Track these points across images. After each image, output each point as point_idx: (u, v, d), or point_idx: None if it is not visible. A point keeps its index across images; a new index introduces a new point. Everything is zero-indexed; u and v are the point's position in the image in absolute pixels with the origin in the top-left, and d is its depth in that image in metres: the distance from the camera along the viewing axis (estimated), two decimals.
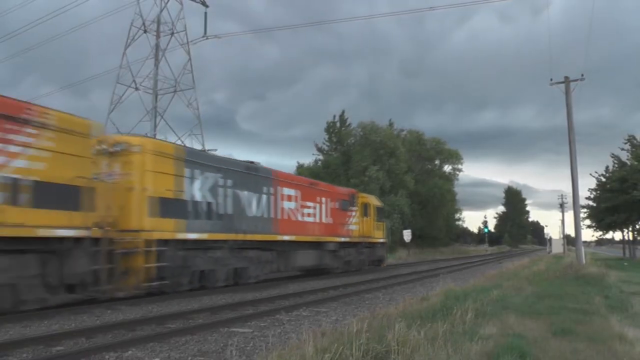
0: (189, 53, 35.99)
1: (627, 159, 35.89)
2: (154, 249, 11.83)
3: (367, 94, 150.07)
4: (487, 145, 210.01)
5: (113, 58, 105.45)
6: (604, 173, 38.73)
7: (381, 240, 25.59)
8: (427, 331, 5.94)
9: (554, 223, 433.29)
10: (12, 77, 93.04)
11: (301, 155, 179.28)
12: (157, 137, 28.17)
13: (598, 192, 39.17)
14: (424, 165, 59.48)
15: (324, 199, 20.61)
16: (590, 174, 39.71)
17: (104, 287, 10.65)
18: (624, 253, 50.35)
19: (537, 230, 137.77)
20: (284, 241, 17.41)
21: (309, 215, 19.40)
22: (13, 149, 9.08)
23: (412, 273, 22.35)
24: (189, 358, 6.41)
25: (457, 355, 5.16)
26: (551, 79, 23.09)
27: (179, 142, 31.33)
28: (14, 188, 8.99)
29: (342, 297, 12.93)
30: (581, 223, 27.55)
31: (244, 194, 15.66)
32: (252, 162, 17.07)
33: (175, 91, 35.52)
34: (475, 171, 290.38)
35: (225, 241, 14.46)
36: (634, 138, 35.78)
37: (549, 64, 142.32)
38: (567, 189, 54.23)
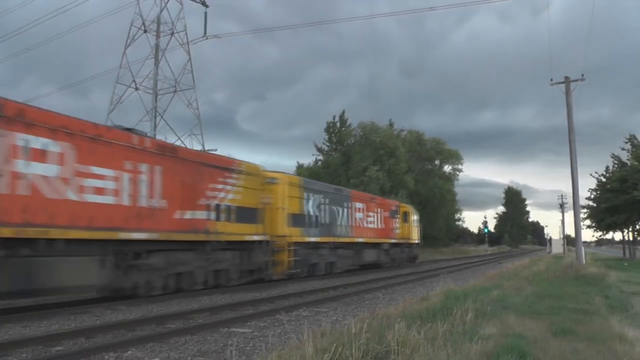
0: (189, 53, 36.01)
1: (627, 159, 35.84)
2: (291, 248, 17.66)
3: (367, 94, 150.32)
4: (487, 145, 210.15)
5: (113, 58, 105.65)
6: (604, 173, 38.67)
7: (416, 241, 32.13)
8: (427, 331, 5.93)
9: (554, 223, 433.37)
10: (12, 77, 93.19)
11: (301, 155, 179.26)
12: (157, 137, 28.14)
13: (598, 192, 39.11)
14: (424, 166, 59.49)
15: (379, 210, 26.41)
16: (591, 174, 39.73)
17: (269, 272, 16.60)
18: (624, 253, 50.34)
19: (537, 230, 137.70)
20: (358, 242, 23.48)
21: (371, 222, 25.27)
22: (228, 188, 14.77)
23: (412, 273, 22.34)
24: (189, 358, 6.40)
25: (457, 355, 5.15)
26: (551, 79, 23.11)
27: (179, 142, 31.36)
28: (228, 211, 14.56)
29: (342, 297, 12.92)
30: (581, 223, 27.54)
31: (335, 209, 21.73)
32: (338, 187, 24.94)
33: (175, 91, 35.50)
34: (475, 171, 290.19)
35: (327, 243, 20.41)
36: (635, 138, 35.69)
37: (549, 64, 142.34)
38: (567, 189, 54.31)
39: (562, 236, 63.97)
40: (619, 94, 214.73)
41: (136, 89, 34.53)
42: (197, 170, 13.53)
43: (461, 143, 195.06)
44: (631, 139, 35.85)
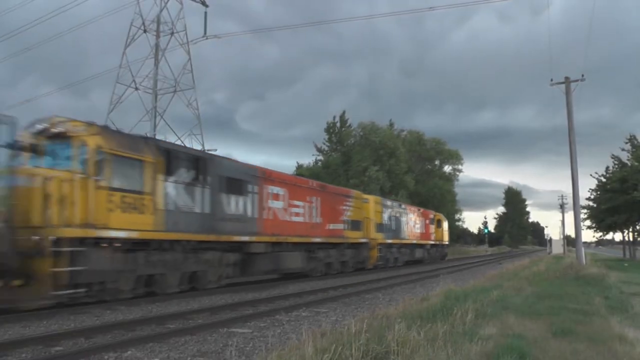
0: (188, 53, 36.06)
1: (628, 160, 35.82)
2: (378, 246, 25.34)
3: (367, 94, 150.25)
4: (486, 146, 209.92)
5: (113, 58, 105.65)
6: (604, 174, 38.63)
7: (446, 243, 41.24)
8: (427, 332, 5.92)
9: (554, 224, 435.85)
10: (12, 77, 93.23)
11: (301, 155, 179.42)
12: (157, 137, 28.11)
13: (598, 192, 39.07)
14: (424, 166, 59.51)
15: (422, 218, 34.69)
16: (591, 175, 39.66)
17: (367, 264, 24.31)
18: (624, 254, 50.32)
19: (537, 230, 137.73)
20: (412, 243, 31.89)
21: (418, 228, 33.61)
22: (348, 208, 22.60)
23: (412, 273, 22.35)
24: (189, 358, 6.39)
25: (457, 355, 5.14)
26: (551, 80, 23.13)
27: (178, 142, 31.32)
28: (347, 223, 22.25)
29: (341, 298, 12.91)
30: (581, 224, 27.51)
31: (399, 218, 29.73)
32: (399, 202, 33.68)
33: (175, 91, 35.54)
34: (475, 171, 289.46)
35: (395, 243, 28.51)
36: (635, 138, 35.68)
37: (549, 64, 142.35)
38: (568, 189, 54.07)
39: (562, 236, 63.96)
40: (619, 94, 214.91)
41: (136, 88, 34.59)
42: (335, 199, 21.82)
43: (461, 143, 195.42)
44: (631, 139, 35.84)
